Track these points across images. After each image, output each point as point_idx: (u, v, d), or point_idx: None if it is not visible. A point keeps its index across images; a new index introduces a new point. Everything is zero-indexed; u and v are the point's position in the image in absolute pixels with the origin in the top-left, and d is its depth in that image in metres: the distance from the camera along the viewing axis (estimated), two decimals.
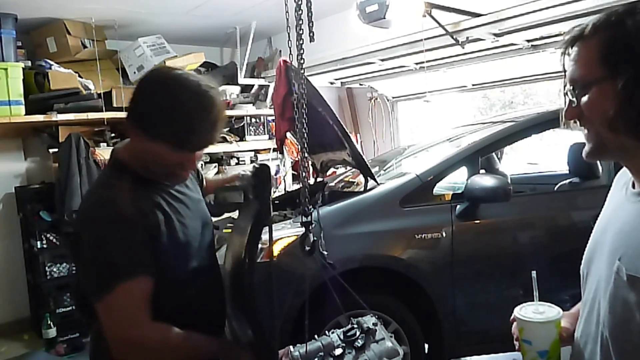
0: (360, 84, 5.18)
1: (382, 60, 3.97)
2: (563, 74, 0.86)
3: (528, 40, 3.43)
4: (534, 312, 0.99)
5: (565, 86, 0.86)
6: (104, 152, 3.88)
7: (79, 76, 3.98)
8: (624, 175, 0.91)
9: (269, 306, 1.33)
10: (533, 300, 1.05)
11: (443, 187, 2.66)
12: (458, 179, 2.66)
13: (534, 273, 1.07)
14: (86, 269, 1.18)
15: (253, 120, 4.92)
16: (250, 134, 4.89)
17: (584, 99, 0.82)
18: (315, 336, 1.52)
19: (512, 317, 1.02)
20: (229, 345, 1.33)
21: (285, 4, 1.44)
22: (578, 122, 0.85)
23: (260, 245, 1.65)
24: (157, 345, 1.16)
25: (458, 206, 2.54)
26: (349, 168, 3.36)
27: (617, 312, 0.79)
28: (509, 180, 2.65)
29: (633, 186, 0.86)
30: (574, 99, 0.84)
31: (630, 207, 0.84)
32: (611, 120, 0.79)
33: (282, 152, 4.71)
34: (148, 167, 1.24)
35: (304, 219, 1.51)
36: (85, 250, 1.16)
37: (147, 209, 1.20)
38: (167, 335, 1.17)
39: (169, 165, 1.22)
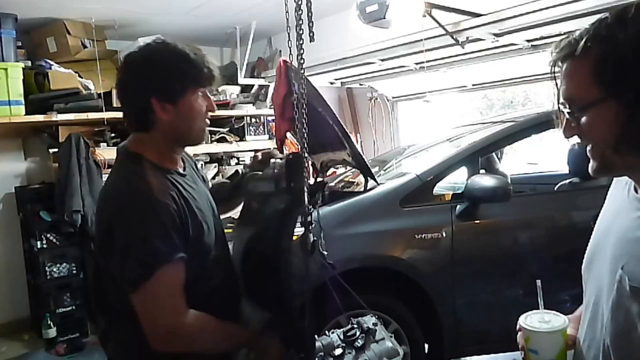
0: (360, 84, 5.17)
1: (382, 60, 3.97)
2: (555, 86, 0.83)
3: (528, 40, 3.43)
4: (539, 321, 0.98)
5: (558, 100, 0.83)
6: (104, 152, 3.88)
7: (79, 76, 3.98)
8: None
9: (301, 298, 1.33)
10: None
11: (443, 187, 2.66)
12: (458, 179, 2.66)
13: (539, 282, 1.05)
14: (121, 259, 1.16)
15: (253, 120, 4.92)
16: (250, 134, 4.89)
17: (583, 120, 0.79)
18: (315, 336, 1.52)
19: (517, 327, 1.00)
20: (258, 335, 1.34)
21: (285, 4, 1.44)
22: (579, 139, 0.83)
23: None
24: (196, 332, 1.18)
25: (458, 206, 2.54)
26: (349, 168, 3.35)
27: (619, 321, 0.79)
28: (509, 180, 2.65)
29: (635, 190, 0.85)
30: (572, 118, 0.81)
31: (632, 214, 0.83)
32: (615, 142, 0.76)
33: (282, 152, 4.71)
34: (179, 137, 1.28)
35: (304, 219, 1.51)
36: (119, 239, 1.16)
37: (174, 194, 1.22)
38: (205, 322, 1.20)
39: (202, 114, 1.29)
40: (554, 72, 0.83)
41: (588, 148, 0.83)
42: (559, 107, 0.84)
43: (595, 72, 0.76)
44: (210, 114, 1.32)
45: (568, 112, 0.81)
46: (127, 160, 1.28)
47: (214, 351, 1.23)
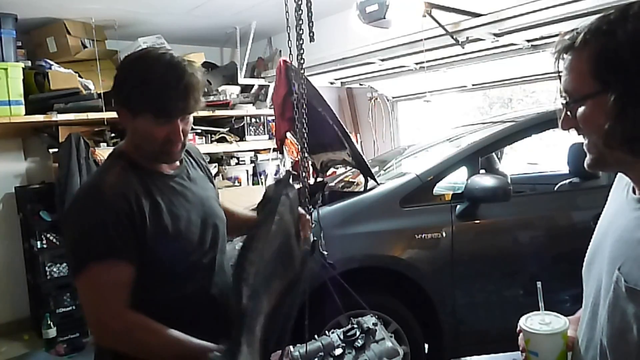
0: (360, 84, 5.17)
1: (382, 60, 3.97)
2: (558, 79, 0.84)
3: (528, 40, 3.43)
4: (540, 323, 0.98)
5: (560, 94, 0.85)
6: (104, 152, 3.88)
7: (79, 76, 3.98)
8: (625, 176, 0.90)
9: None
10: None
11: (443, 187, 2.66)
12: (458, 179, 2.66)
13: (539, 284, 1.05)
14: (66, 251, 1.23)
15: (253, 120, 4.92)
16: (250, 134, 4.89)
17: (579, 112, 0.80)
18: (315, 336, 1.52)
19: (518, 329, 1.00)
20: (203, 350, 1.14)
21: (285, 4, 1.44)
22: (576, 132, 0.84)
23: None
24: (126, 333, 1.15)
25: (458, 206, 2.54)
26: (349, 168, 3.36)
27: (616, 322, 0.79)
28: (509, 180, 2.65)
29: (634, 191, 0.85)
30: (569, 111, 0.82)
31: (630, 214, 0.83)
32: (605, 136, 0.77)
33: (282, 152, 4.71)
34: (142, 150, 1.27)
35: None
36: (66, 233, 1.21)
37: (131, 194, 1.20)
38: (142, 326, 1.15)
39: (157, 140, 1.23)
40: (558, 64, 0.84)
41: (584, 142, 0.84)
42: (561, 102, 0.85)
43: (592, 65, 0.77)
44: (174, 144, 1.24)
45: (566, 104, 0.83)
46: (110, 157, 1.31)
47: (155, 358, 1.17)
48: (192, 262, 1.29)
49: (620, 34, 0.74)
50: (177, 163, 1.36)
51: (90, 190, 1.23)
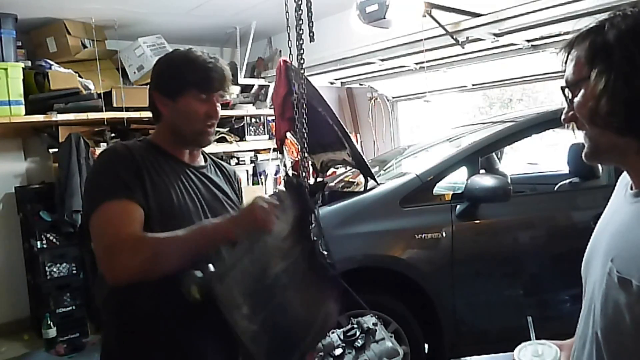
0: (360, 84, 5.18)
1: (382, 60, 3.97)
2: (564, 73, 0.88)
3: (528, 40, 3.43)
4: (533, 354, 1.02)
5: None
6: None
7: (79, 76, 3.98)
8: (626, 176, 0.91)
9: None
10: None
11: (443, 187, 2.66)
12: (458, 179, 2.66)
13: (529, 318, 1.10)
14: (83, 206, 1.25)
15: (253, 120, 4.92)
16: (250, 134, 4.89)
17: (576, 99, 0.84)
18: None
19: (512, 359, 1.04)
20: (221, 228, 1.18)
21: (285, 4, 1.44)
22: (576, 125, 0.87)
23: None
24: (137, 246, 1.13)
25: (458, 206, 2.54)
26: (349, 168, 3.36)
27: (609, 313, 0.80)
28: (509, 180, 2.65)
29: (632, 187, 0.87)
30: (569, 101, 0.86)
31: (627, 208, 0.85)
32: (590, 115, 0.81)
33: (282, 152, 4.71)
34: (180, 133, 1.34)
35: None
36: (84, 193, 1.24)
37: (144, 165, 1.26)
38: (149, 237, 1.15)
39: (199, 117, 1.32)
40: (566, 60, 0.87)
41: (583, 135, 0.86)
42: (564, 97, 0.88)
43: (586, 55, 0.82)
44: (212, 120, 1.35)
45: (564, 89, 0.86)
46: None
47: (182, 257, 1.14)
48: None
49: (609, 25, 0.80)
50: (200, 161, 1.42)
51: (107, 151, 1.32)
